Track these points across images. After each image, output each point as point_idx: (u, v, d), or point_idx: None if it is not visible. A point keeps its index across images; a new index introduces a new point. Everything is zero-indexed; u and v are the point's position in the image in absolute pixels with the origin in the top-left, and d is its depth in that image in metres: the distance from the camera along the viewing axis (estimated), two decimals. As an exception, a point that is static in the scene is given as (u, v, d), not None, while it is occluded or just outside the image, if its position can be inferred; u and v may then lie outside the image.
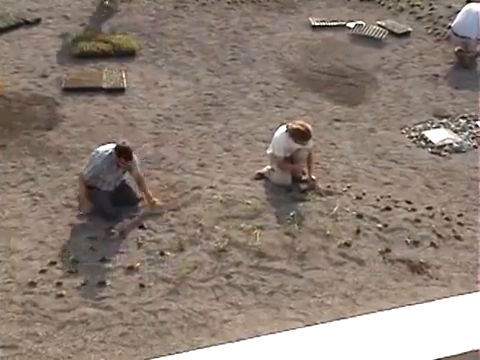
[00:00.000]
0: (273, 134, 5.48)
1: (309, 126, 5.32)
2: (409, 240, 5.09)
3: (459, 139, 6.77)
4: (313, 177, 5.46)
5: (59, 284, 4.49)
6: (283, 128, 5.40)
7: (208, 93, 6.79)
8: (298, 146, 5.34)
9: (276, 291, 4.52)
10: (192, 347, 3.87)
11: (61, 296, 4.40)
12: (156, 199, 5.16)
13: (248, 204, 5.20)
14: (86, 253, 4.72)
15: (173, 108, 6.55)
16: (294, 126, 5.32)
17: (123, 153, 4.95)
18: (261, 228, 4.96)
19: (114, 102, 6.57)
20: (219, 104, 6.67)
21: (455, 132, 6.90)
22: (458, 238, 5.19)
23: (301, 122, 5.44)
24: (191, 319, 4.21)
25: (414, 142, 6.71)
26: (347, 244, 4.93)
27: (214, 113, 6.51)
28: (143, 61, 7.28)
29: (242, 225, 4.98)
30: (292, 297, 4.49)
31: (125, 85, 6.80)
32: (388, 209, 5.40)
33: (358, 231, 5.08)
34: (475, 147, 6.68)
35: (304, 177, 5.48)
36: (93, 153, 5.07)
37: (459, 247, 5.06)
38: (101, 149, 5.05)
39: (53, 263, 4.66)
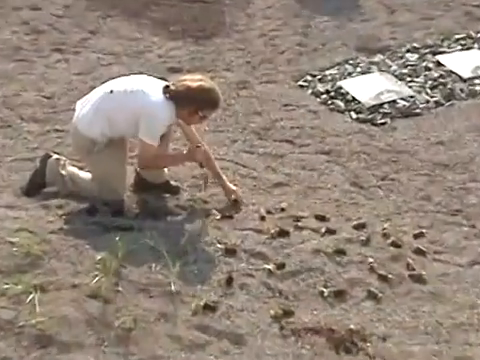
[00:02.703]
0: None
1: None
2: (325, 291, 3.71)
3: (408, 91, 5.45)
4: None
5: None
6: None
7: None
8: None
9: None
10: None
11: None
12: None
13: (11, 244, 3.94)
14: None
15: None
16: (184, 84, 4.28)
17: None
18: (41, 288, 3.62)
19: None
20: None
21: (400, 79, 5.61)
22: (418, 280, 3.83)
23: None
24: None
25: (324, 103, 5.40)
26: (210, 308, 3.61)
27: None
28: None
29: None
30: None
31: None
32: (284, 233, 4.07)
33: (229, 280, 3.75)
34: (440, 104, 5.32)
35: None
36: None
37: (420, 297, 3.73)
38: None
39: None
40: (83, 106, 4.33)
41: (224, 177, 4.51)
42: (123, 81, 4.34)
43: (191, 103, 4.18)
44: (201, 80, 4.23)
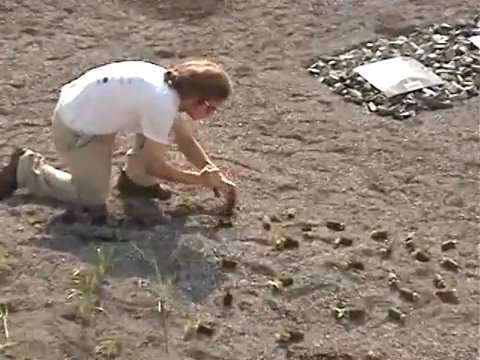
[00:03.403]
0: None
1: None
2: (340, 311, 3.76)
3: (436, 79, 5.55)
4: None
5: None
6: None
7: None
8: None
9: None
10: None
11: None
12: None
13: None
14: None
15: None
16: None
17: None
18: (10, 308, 3.64)
19: None
20: None
21: (426, 65, 5.69)
22: (448, 299, 3.89)
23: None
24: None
25: (338, 93, 5.53)
26: (206, 331, 3.67)
27: None
28: None
29: None
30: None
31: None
32: (291, 244, 4.17)
33: (228, 299, 3.80)
34: (473, 94, 5.42)
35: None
36: None
37: (450, 318, 3.78)
38: None
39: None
40: (70, 93, 4.34)
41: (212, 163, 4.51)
42: (118, 68, 4.36)
43: (197, 91, 4.20)
44: (208, 64, 4.27)
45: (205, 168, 4.33)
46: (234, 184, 4.47)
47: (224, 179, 4.44)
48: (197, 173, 4.41)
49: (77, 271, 3.83)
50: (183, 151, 4.57)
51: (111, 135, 4.35)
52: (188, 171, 4.51)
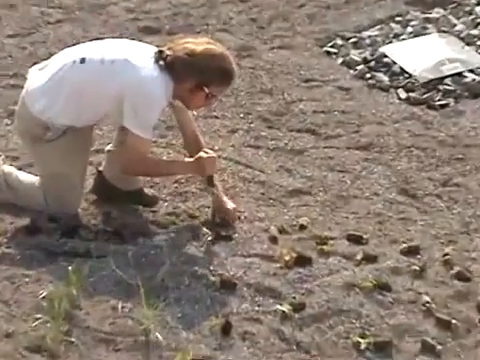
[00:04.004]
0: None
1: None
2: (362, 343, 3.80)
3: (479, 60, 5.65)
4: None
5: None
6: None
7: None
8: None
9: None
10: None
11: None
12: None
13: None
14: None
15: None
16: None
17: None
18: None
19: None
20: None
21: (467, 44, 5.80)
22: None
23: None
24: None
25: (361, 77, 5.61)
26: None
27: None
28: None
29: None
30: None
31: None
32: (303, 261, 4.22)
33: (227, 327, 3.85)
34: None
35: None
36: None
37: None
38: None
39: None
40: (39, 76, 4.36)
41: (218, 184, 4.58)
42: (99, 47, 4.38)
43: (195, 74, 4.21)
44: (209, 42, 4.27)
45: (201, 153, 4.36)
46: (234, 214, 4.49)
47: (226, 200, 4.46)
48: (186, 160, 4.45)
49: (44, 293, 3.86)
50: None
51: (88, 128, 4.36)
52: (172, 159, 4.53)
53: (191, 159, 4.36)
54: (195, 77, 4.19)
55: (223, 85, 4.32)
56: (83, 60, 4.23)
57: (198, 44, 4.22)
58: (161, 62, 4.18)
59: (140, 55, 4.22)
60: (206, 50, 4.18)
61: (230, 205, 4.44)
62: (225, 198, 4.48)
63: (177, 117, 4.53)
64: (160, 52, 4.21)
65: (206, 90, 4.22)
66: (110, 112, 4.25)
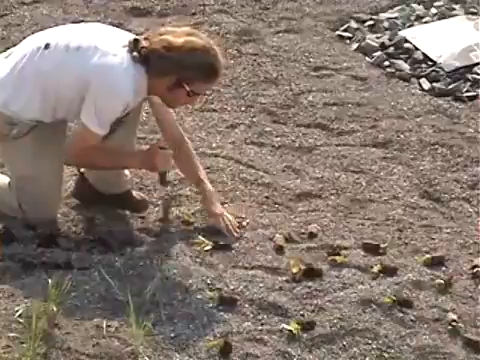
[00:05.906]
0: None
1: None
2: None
3: None
4: None
5: None
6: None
7: None
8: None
9: None
10: None
11: None
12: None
13: None
14: None
15: None
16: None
17: None
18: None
19: None
20: None
21: None
22: None
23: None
24: None
25: (378, 65, 5.73)
26: None
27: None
28: None
29: None
30: None
31: None
32: (313, 274, 4.26)
33: (226, 348, 3.85)
34: None
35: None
36: None
37: None
38: None
39: None
40: (3, 65, 4.37)
41: (210, 188, 4.59)
42: (67, 32, 4.40)
43: (173, 70, 4.25)
44: (190, 34, 4.29)
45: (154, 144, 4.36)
46: (230, 223, 4.48)
47: (218, 206, 4.48)
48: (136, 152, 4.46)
49: (19, 310, 3.87)
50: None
51: (60, 123, 4.39)
52: (123, 150, 4.50)
53: (144, 148, 4.39)
54: (174, 74, 4.22)
55: (206, 82, 4.35)
56: (47, 46, 4.25)
57: (177, 36, 4.24)
58: (135, 53, 4.21)
59: (111, 42, 4.24)
60: (186, 43, 4.20)
61: (219, 209, 4.48)
62: (214, 199, 4.51)
63: (156, 116, 4.57)
64: (135, 41, 4.23)
65: (187, 88, 4.26)
66: (75, 105, 4.26)
